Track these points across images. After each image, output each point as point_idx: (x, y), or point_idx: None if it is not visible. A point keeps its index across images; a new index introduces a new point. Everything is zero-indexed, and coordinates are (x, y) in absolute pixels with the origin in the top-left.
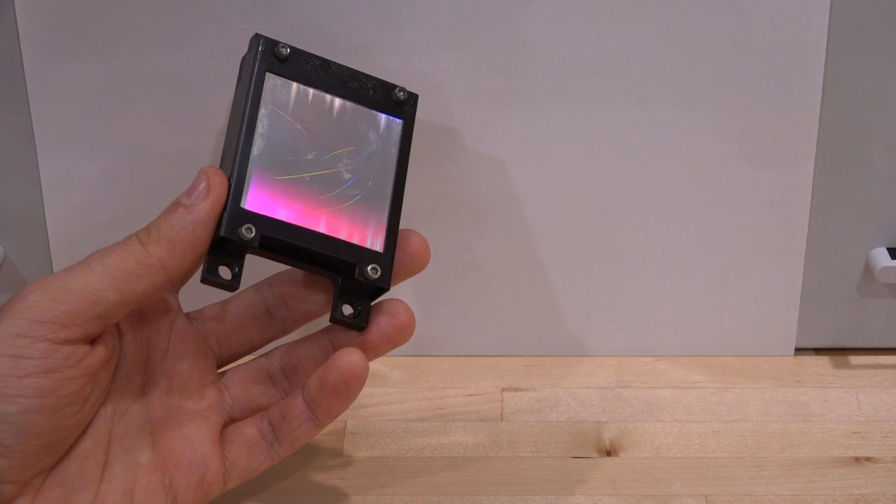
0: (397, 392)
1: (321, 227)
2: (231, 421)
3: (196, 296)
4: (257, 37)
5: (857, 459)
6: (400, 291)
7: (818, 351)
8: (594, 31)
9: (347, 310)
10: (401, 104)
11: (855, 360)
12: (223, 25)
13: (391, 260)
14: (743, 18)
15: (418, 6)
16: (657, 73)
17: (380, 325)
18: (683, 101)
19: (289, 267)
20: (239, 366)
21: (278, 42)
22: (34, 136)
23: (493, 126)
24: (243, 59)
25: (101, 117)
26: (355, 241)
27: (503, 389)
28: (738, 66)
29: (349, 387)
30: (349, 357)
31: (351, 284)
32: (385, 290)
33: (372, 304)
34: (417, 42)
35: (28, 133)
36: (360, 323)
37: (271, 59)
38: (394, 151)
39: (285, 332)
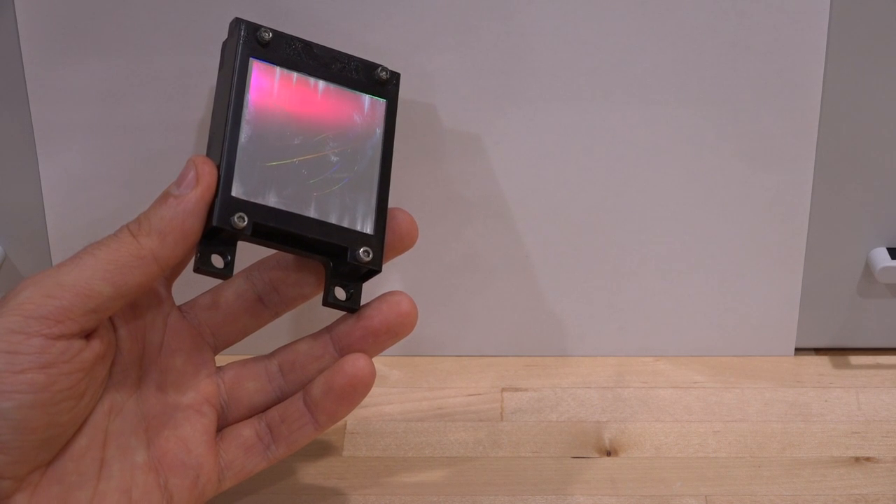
0: (397, 392)
1: (311, 212)
2: (227, 418)
3: (186, 286)
4: (238, 21)
5: (857, 459)
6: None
7: (818, 351)
8: (594, 31)
9: (340, 293)
10: (383, 84)
11: (855, 360)
12: (223, 25)
13: (382, 241)
14: (743, 18)
15: (418, 6)
16: (657, 73)
17: (381, 311)
18: (683, 101)
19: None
20: (235, 362)
21: (260, 26)
22: (34, 136)
23: (493, 126)
24: (224, 43)
25: (101, 117)
26: (346, 224)
27: (503, 389)
28: (738, 66)
29: (356, 391)
30: (357, 362)
31: (342, 267)
32: (377, 271)
33: (377, 296)
34: (417, 41)
35: (28, 133)
36: (352, 305)
37: (254, 44)
38: (379, 132)
39: (278, 316)
